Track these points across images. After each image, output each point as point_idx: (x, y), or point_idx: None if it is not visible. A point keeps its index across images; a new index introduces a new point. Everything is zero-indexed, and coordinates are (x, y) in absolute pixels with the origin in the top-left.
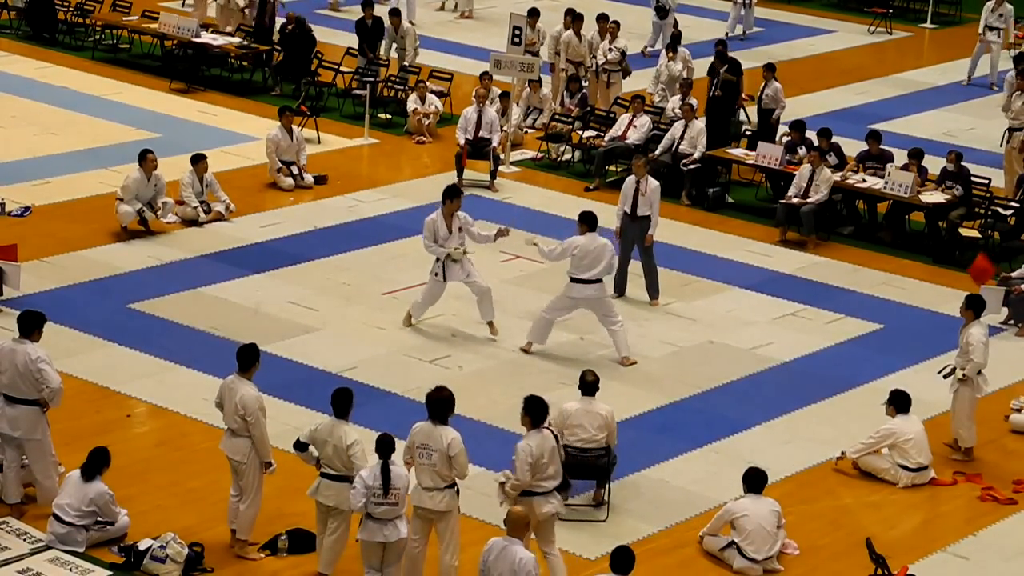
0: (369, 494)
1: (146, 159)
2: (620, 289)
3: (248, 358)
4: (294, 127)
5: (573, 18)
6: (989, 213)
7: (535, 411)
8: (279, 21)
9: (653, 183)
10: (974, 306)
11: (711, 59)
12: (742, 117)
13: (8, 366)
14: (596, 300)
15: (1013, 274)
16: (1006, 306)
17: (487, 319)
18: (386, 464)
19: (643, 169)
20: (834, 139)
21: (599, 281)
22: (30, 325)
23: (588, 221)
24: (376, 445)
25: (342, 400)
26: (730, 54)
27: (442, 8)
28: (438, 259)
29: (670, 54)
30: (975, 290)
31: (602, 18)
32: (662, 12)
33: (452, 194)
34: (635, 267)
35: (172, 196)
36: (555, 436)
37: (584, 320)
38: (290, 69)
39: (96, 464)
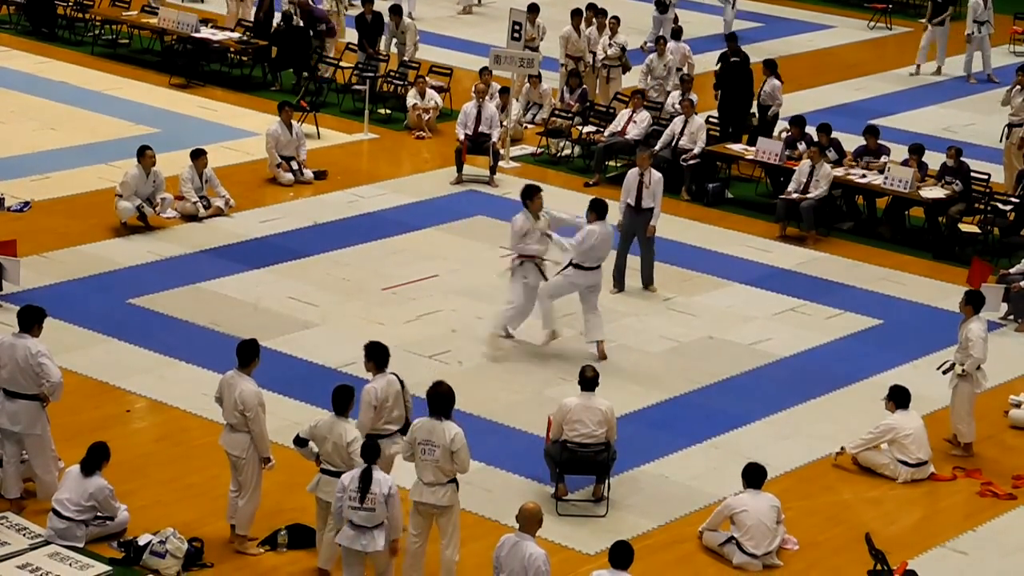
0: (344, 496)
1: (144, 155)
2: (620, 284)
3: (248, 354)
4: (294, 122)
5: (573, 13)
6: (989, 209)
7: (377, 356)
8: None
9: (656, 175)
10: (973, 302)
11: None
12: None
13: (8, 361)
14: (594, 286)
15: (1012, 270)
16: (1006, 302)
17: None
18: (368, 469)
19: (647, 162)
20: (834, 135)
21: (599, 267)
22: (30, 320)
23: (598, 209)
24: (361, 450)
25: (342, 397)
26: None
27: (469, 12)
28: (522, 262)
29: (660, 46)
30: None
31: (601, 13)
32: (662, 7)
33: (531, 193)
34: (631, 260)
35: (171, 192)
36: (400, 381)
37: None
38: (286, 62)
39: (96, 459)
